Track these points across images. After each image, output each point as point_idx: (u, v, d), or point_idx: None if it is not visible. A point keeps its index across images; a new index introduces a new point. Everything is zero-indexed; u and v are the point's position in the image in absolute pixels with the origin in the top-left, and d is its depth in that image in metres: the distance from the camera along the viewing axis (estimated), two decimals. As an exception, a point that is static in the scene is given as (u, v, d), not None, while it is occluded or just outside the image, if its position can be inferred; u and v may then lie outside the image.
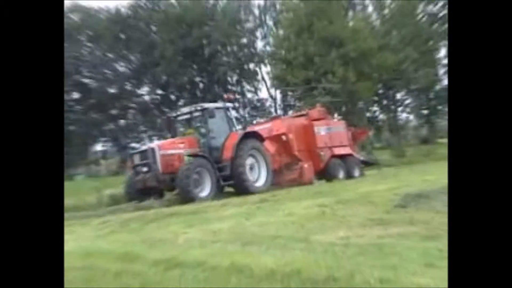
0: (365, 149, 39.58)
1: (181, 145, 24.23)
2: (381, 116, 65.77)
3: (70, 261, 12.56)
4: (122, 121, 73.29)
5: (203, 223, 15.83)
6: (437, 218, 12.45)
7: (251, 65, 73.59)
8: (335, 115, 32.56)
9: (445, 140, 51.85)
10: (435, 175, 20.49)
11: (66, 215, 21.28)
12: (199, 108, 25.97)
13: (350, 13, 60.72)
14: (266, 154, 25.36)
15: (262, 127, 28.89)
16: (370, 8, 63.51)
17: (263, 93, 74.03)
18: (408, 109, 67.70)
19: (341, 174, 27.59)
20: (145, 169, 23.49)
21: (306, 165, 26.62)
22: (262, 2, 73.11)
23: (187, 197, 21.80)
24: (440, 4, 61.11)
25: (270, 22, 72.59)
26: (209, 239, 13.20)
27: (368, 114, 61.30)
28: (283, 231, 13.30)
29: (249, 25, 74.06)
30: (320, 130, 28.13)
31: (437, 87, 61.75)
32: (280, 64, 53.83)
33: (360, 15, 60.19)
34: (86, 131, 67.72)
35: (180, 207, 22.30)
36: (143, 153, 24.50)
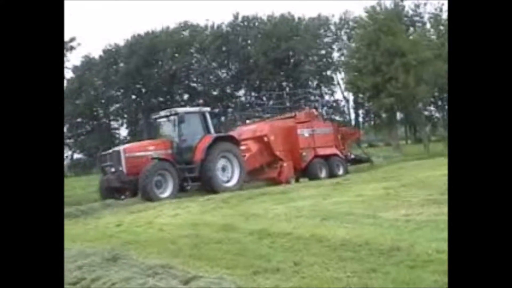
0: (360, 148, 37.36)
1: (151, 148, 22.49)
2: (437, 115, 64.66)
3: (181, 230, 12.79)
4: (222, 118, 73.69)
5: (288, 201, 15.89)
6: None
7: (328, 72, 73.26)
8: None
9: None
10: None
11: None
12: (173, 112, 24.12)
13: (411, 29, 59.90)
14: (239, 155, 23.56)
15: (246, 128, 27.63)
16: (428, 25, 62.39)
17: (338, 95, 73.63)
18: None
19: (323, 173, 25.65)
20: (112, 169, 22.02)
21: (285, 165, 25.11)
22: (337, 20, 72.74)
23: (148, 198, 20.29)
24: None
25: (344, 37, 72.00)
26: (293, 214, 13.26)
27: (426, 113, 60.31)
28: (354, 209, 13.28)
29: (327, 39, 73.75)
30: (304, 132, 26.25)
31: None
32: (352, 71, 53.38)
33: (420, 30, 59.22)
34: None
35: (270, 188, 22.39)
36: (110, 155, 22.97)
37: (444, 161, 24.12)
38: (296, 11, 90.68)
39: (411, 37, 52.39)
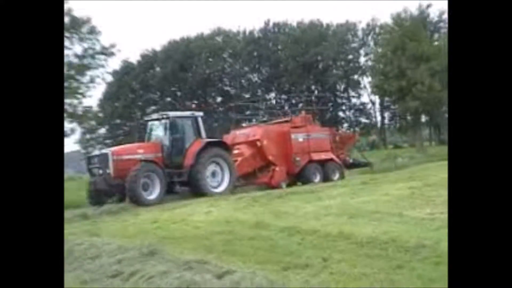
0: (360, 152, 36.26)
1: (140, 151, 21.76)
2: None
3: (215, 227, 12.82)
4: (254, 120, 73.71)
5: (317, 200, 15.85)
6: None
7: (355, 76, 73.04)
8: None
9: None
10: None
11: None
12: (165, 116, 23.24)
13: (436, 35, 59.48)
14: (230, 161, 22.73)
15: (240, 132, 26.88)
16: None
17: (365, 98, 73.35)
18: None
19: (317, 178, 24.74)
20: (100, 172, 21.22)
21: (277, 169, 24.24)
22: (365, 26, 72.50)
23: (135, 200, 19.65)
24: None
25: (371, 42, 71.74)
26: (322, 213, 13.25)
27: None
28: (381, 207, 13.24)
29: (354, 44, 73.57)
30: (298, 136, 25.25)
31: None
32: (379, 75, 53.25)
33: (444, 36, 58.84)
34: (227, 127, 68.45)
35: (299, 187, 22.31)
36: (98, 158, 22.03)
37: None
38: (324, 17, 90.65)
39: (435, 43, 52.23)
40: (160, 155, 21.43)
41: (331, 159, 25.62)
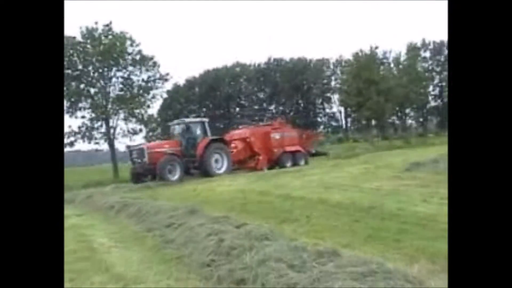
0: (322, 145, 36.09)
1: (166, 145, 21.40)
2: (397, 122, 64.22)
3: (234, 194, 12.81)
4: (254, 122, 73.65)
5: (302, 176, 15.81)
6: (428, 177, 12.15)
7: (328, 94, 72.57)
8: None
9: None
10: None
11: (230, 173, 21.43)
12: (182, 121, 23.37)
13: (381, 67, 59.10)
14: (228, 152, 22.19)
15: (235, 132, 26.34)
16: (392, 64, 61.29)
17: (334, 109, 73.20)
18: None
19: (289, 163, 23.97)
20: (138, 160, 20.89)
21: (261, 158, 23.72)
22: (335, 61, 72.12)
23: (163, 180, 19.42)
24: None
25: (338, 71, 71.27)
26: (306, 185, 13.23)
27: (389, 120, 59.90)
28: (345, 181, 13.22)
29: (328, 73, 72.96)
30: (276, 135, 24.72)
31: None
32: (344, 94, 53.74)
33: (386, 67, 58.57)
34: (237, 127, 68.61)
35: (290, 168, 22.30)
36: (137, 150, 21.63)
37: (401, 152, 23.91)
38: (308, 55, 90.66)
39: (381, 72, 52.14)
40: (179, 148, 21.33)
41: (299, 150, 25.18)
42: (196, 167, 21.29)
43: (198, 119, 24.22)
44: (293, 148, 24.83)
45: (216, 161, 21.60)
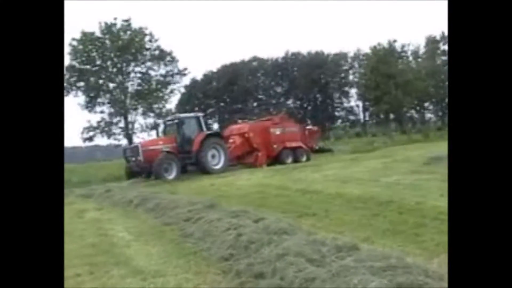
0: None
1: (160, 142, 20.88)
2: (416, 115, 63.64)
3: (252, 189, 12.82)
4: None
5: (320, 171, 15.77)
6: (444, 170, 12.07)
7: (346, 88, 72.03)
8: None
9: None
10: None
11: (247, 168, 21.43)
12: (177, 117, 22.68)
13: (399, 60, 58.54)
14: (225, 147, 21.56)
15: (234, 127, 25.59)
16: (410, 57, 60.66)
17: (352, 103, 72.71)
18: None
19: (290, 160, 23.25)
20: (133, 159, 20.44)
21: (259, 154, 22.98)
22: (352, 54, 71.56)
23: (159, 179, 18.82)
24: None
25: (356, 65, 70.68)
26: (323, 179, 13.20)
27: (408, 114, 59.33)
28: (363, 175, 13.15)
29: (345, 67, 72.20)
30: (276, 130, 23.90)
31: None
32: (362, 88, 53.64)
33: (405, 60, 57.98)
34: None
35: (307, 162, 22.23)
36: (131, 148, 21.54)
37: (420, 146, 23.68)
38: (325, 49, 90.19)
39: (399, 66, 51.72)
40: (175, 145, 20.72)
41: (300, 147, 24.42)
42: (192, 163, 20.82)
43: (193, 114, 23.70)
44: (294, 144, 24.19)
45: (213, 156, 21.07)
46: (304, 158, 23.95)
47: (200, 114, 22.98)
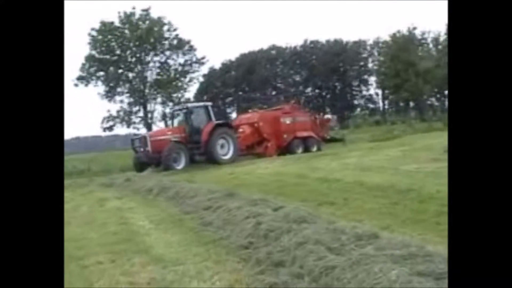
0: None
1: (169, 133, 20.66)
2: (436, 103, 62.94)
3: (271, 177, 12.84)
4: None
5: (339, 159, 15.72)
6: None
7: (365, 76, 71.51)
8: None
9: None
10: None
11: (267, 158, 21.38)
12: (185, 106, 22.49)
13: (420, 48, 57.77)
14: (234, 136, 21.16)
15: (244, 116, 25.39)
16: (430, 45, 59.97)
17: (372, 91, 72.11)
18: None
19: (300, 150, 22.83)
20: (141, 149, 20.18)
21: (269, 144, 22.61)
22: (372, 42, 70.81)
23: (167, 169, 18.66)
24: None
25: (376, 53, 70.04)
26: (342, 168, 13.16)
27: (428, 102, 58.76)
28: (383, 164, 13.09)
29: (364, 55, 71.75)
30: (286, 120, 23.47)
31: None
32: (381, 75, 53.42)
33: (425, 48, 57.28)
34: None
35: (327, 150, 22.05)
36: (139, 139, 21.05)
37: (440, 134, 23.42)
38: (344, 37, 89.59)
39: (419, 53, 51.20)
40: (184, 135, 20.51)
41: (311, 136, 24.05)
42: (201, 153, 20.54)
43: (201, 103, 23.44)
44: (304, 134, 23.82)
45: (222, 146, 20.79)
46: (314, 148, 23.64)
47: (209, 103, 22.69)
